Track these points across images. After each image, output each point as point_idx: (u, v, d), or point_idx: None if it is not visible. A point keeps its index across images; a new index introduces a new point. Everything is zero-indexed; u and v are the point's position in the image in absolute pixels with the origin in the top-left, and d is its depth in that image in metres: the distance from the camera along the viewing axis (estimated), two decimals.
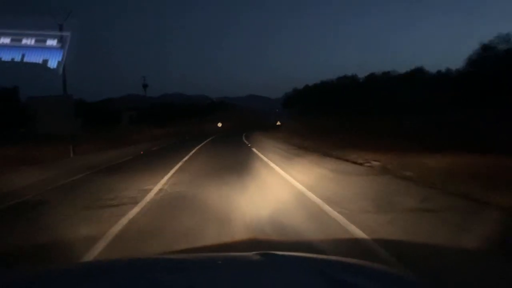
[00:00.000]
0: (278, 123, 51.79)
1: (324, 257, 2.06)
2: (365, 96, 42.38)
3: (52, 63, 13.10)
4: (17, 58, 13.00)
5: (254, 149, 17.24)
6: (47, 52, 13.11)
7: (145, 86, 54.88)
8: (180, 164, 12.13)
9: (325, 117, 37.62)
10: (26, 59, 13.05)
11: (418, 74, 45.77)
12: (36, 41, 13.07)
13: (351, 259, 1.79)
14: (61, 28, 14.11)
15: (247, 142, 24.53)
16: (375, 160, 9.84)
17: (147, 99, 63.79)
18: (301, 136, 24.00)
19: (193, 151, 18.22)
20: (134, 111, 74.93)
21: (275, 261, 1.52)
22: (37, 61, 13.04)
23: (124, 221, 4.87)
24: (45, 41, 13.14)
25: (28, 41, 12.94)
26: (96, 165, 12.95)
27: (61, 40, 13.14)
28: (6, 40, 12.74)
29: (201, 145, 23.30)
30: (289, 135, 28.09)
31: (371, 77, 50.68)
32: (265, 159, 12.67)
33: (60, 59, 13.07)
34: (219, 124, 64.55)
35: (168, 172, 9.85)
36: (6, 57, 12.82)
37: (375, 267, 1.75)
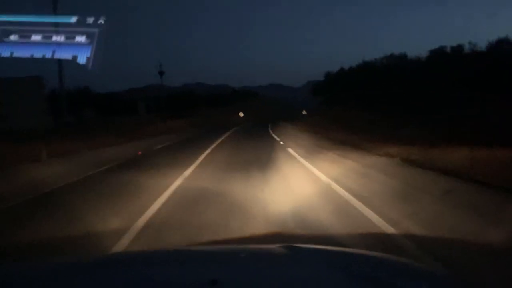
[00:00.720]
0: (304, 112, 50.18)
1: (348, 250, 2.05)
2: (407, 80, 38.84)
3: (81, 59, 13.35)
4: (48, 54, 13.34)
5: (290, 150, 13.12)
6: (76, 48, 13.39)
7: (161, 73, 50.54)
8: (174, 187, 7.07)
9: (360, 107, 34.70)
10: (56, 55, 13.37)
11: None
12: (66, 38, 13.33)
13: (375, 253, 1.76)
14: (89, 25, 14.33)
15: (277, 138, 20.26)
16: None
17: (166, 89, 63.69)
18: (334, 131, 20.71)
19: (206, 153, 13.50)
20: (151, 101, 71.86)
21: (298, 254, 1.51)
22: (67, 57, 13.34)
23: None
24: (74, 37, 13.40)
25: (58, 38, 13.23)
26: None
27: (89, 36, 13.33)
28: (38, 37, 13.08)
29: (219, 141, 19.27)
30: (324, 129, 23.84)
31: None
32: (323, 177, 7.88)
33: (88, 54, 13.30)
34: (241, 114, 60.76)
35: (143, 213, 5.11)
36: (38, 54, 13.19)
37: (398, 261, 1.71)
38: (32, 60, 14.03)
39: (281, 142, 16.70)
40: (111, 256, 2.41)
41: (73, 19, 14.04)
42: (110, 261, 1.70)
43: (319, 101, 66.67)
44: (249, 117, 66.14)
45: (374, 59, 53.15)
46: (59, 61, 16.28)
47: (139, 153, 13.86)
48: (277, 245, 1.63)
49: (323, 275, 1.29)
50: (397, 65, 45.48)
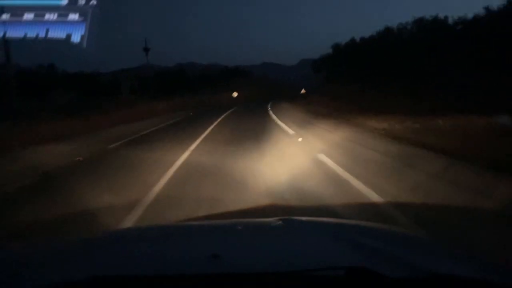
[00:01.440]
0: (303, 91, 44.45)
1: (343, 222, 2.11)
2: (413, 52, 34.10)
3: (76, 38, 13.25)
4: (42, 34, 13.21)
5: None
6: (70, 26, 13.25)
7: (146, 49, 45.52)
8: None
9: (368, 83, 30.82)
10: (50, 35, 13.25)
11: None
12: (58, 15, 13.19)
13: (370, 223, 1.80)
14: (82, 2, 14.14)
15: (284, 126, 13.71)
16: None
17: (156, 68, 61.57)
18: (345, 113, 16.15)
19: (192, 146, 9.31)
20: (138, 80, 66.80)
21: (296, 226, 1.56)
22: (61, 36, 13.23)
23: None
24: (67, 15, 13.27)
25: (51, 16, 13.10)
26: None
27: (82, 13, 13.20)
28: (30, 16, 12.94)
29: (209, 129, 13.66)
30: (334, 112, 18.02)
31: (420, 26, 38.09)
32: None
33: (83, 32, 13.18)
34: (234, 94, 52.74)
35: None
36: (31, 33, 13.06)
37: (391, 230, 1.76)
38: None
39: (292, 132, 11.53)
40: (112, 232, 2.47)
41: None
42: (111, 237, 1.74)
43: (321, 78, 63.39)
44: (244, 97, 60.82)
45: (400, 24, 42.39)
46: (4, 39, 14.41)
47: (79, 159, 8.38)
48: (275, 218, 1.66)
49: (320, 246, 1.33)
50: (429, 31, 36.26)
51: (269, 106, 30.01)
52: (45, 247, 1.49)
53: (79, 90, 48.51)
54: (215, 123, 17.03)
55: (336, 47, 55.46)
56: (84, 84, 54.18)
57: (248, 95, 68.67)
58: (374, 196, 4.38)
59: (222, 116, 21.13)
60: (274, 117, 18.61)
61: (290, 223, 1.59)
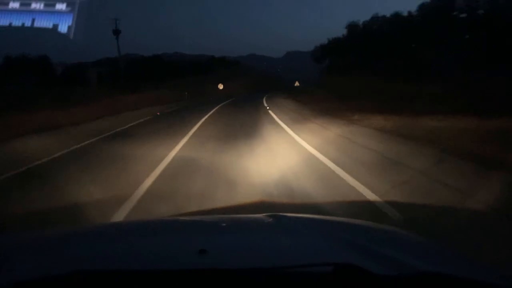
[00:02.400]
0: (297, 84, 40.91)
1: (332, 218, 2.16)
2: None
3: (63, 28, 13.11)
4: (28, 23, 13.04)
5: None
6: (57, 16, 13.12)
7: (116, 32, 38.08)
8: None
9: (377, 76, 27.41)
10: (36, 25, 13.09)
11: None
12: (45, 5, 13.02)
13: (359, 221, 1.86)
14: None
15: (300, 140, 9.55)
16: None
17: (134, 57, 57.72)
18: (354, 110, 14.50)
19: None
20: (104, 68, 60.94)
21: (284, 222, 1.58)
22: (47, 26, 13.07)
23: None
24: (54, 5, 13.11)
25: (37, 6, 12.92)
26: None
27: (70, 3, 13.05)
28: (16, 5, 12.76)
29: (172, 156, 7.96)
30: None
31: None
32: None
33: (70, 23, 13.05)
34: (220, 86, 46.31)
35: None
36: (17, 22, 12.88)
37: (380, 227, 1.80)
38: None
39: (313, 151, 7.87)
40: (97, 226, 2.43)
41: None
42: (96, 231, 1.73)
43: (319, 69, 57.58)
44: (231, 89, 55.14)
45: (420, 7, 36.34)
46: None
47: None
48: (263, 214, 1.67)
49: (308, 243, 1.33)
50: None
51: (267, 107, 21.61)
52: (27, 240, 1.48)
53: (41, 79, 44.60)
54: (191, 132, 11.81)
55: (352, 28, 46.17)
56: (46, 72, 47.64)
57: (237, 86, 63.64)
58: None
59: (201, 121, 15.27)
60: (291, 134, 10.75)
61: (278, 219, 1.59)
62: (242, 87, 67.41)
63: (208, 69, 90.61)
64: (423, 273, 0.95)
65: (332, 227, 1.60)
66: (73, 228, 2.21)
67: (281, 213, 1.67)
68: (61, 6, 13.57)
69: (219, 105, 24.83)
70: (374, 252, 1.16)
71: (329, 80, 40.29)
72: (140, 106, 25.61)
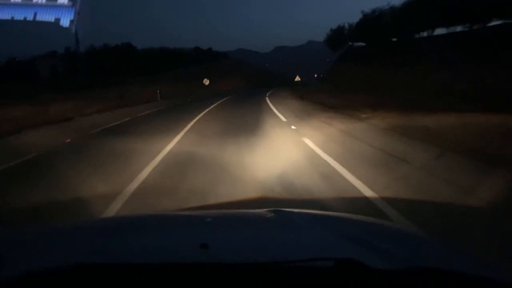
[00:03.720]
0: (298, 78, 36.89)
1: (333, 214, 2.22)
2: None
3: (65, 22, 13.40)
4: (30, 17, 13.30)
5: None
6: (58, 10, 13.39)
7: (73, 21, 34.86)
8: None
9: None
10: (38, 18, 13.35)
11: None
12: None
13: (361, 216, 1.91)
14: None
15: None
16: None
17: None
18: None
19: None
20: (58, 60, 53.00)
21: (286, 217, 1.62)
22: (49, 20, 13.34)
23: None
24: None
25: (39, 0, 13.16)
26: None
27: None
28: None
29: None
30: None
31: None
32: None
33: (72, 17, 13.34)
34: (206, 82, 39.53)
35: None
36: (19, 16, 13.12)
37: (381, 222, 1.87)
38: None
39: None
40: (99, 220, 2.49)
41: None
42: (98, 225, 1.78)
43: (335, 58, 51.19)
44: (220, 87, 49.38)
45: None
46: None
47: None
48: (264, 209, 1.71)
49: (309, 238, 1.37)
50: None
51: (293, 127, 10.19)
52: (28, 232, 1.53)
53: None
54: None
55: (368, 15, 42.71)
56: None
57: (227, 83, 56.70)
58: None
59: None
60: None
61: (279, 214, 1.64)
62: (233, 83, 60.60)
63: (192, 62, 79.29)
64: (424, 268, 0.98)
65: (333, 222, 1.64)
66: (74, 222, 2.27)
67: (282, 208, 1.70)
68: (63, 1, 13.81)
69: (202, 114, 14.25)
70: (375, 247, 1.19)
71: (343, 71, 36.80)
72: (73, 114, 15.58)
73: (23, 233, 1.53)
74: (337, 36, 51.53)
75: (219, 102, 22.26)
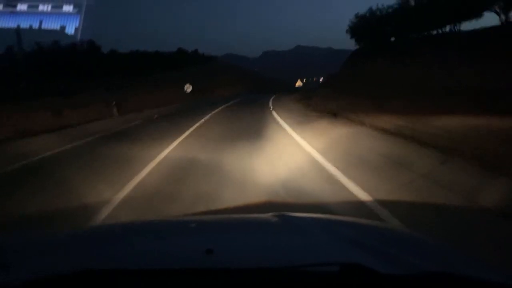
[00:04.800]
0: (299, 83, 35.63)
1: (338, 218, 2.25)
2: None
3: (70, 29, 13.63)
4: (35, 25, 13.49)
5: None
6: (64, 18, 13.63)
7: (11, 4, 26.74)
8: None
9: None
10: (43, 26, 13.55)
11: None
12: (52, 7, 13.52)
13: (364, 220, 1.96)
14: None
15: None
16: None
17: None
18: None
19: None
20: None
21: (290, 222, 1.64)
22: (55, 28, 13.55)
23: None
24: (61, 7, 13.64)
25: (45, 8, 13.42)
26: None
27: (77, 5, 13.58)
28: (23, 7, 13.23)
29: None
30: None
31: None
32: None
33: (77, 25, 13.57)
34: (187, 88, 32.77)
35: None
36: (25, 24, 13.33)
37: (386, 226, 1.93)
38: None
39: None
40: (105, 226, 2.52)
41: None
42: (104, 231, 1.81)
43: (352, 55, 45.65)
44: (210, 94, 43.62)
45: None
46: None
47: None
48: (269, 214, 1.73)
49: (315, 242, 1.38)
50: None
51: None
52: (35, 239, 1.55)
53: None
54: None
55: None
56: None
57: (215, 90, 48.18)
58: None
59: None
60: None
61: (284, 219, 1.66)
62: (224, 89, 53.37)
63: (174, 66, 68.97)
64: (429, 272, 0.98)
65: (338, 226, 1.65)
66: (80, 228, 2.30)
67: (287, 213, 1.72)
68: (68, 8, 14.07)
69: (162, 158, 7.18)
70: (380, 252, 1.20)
71: (366, 71, 32.34)
72: None
73: (28, 239, 1.54)
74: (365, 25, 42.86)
75: (202, 120, 14.18)
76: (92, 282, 0.94)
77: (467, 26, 32.55)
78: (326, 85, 39.59)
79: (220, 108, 21.69)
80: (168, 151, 7.54)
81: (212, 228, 1.70)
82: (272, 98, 31.92)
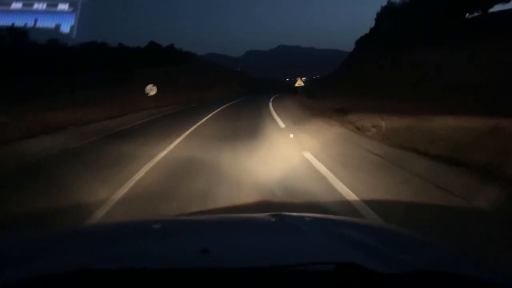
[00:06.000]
0: (300, 82, 27.80)
1: (334, 217, 2.26)
2: None
3: (65, 28, 13.72)
4: (30, 23, 13.58)
5: None
6: (59, 16, 13.71)
7: None
8: None
9: None
10: (38, 25, 13.62)
11: None
12: (47, 5, 13.57)
13: (361, 219, 2.08)
14: None
15: None
16: None
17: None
18: None
19: None
20: None
21: (286, 222, 1.67)
22: (50, 26, 13.62)
23: None
24: (56, 5, 13.71)
25: (39, 6, 13.50)
26: None
27: (72, 4, 13.67)
28: (18, 5, 13.32)
29: None
30: None
31: None
32: None
33: (72, 23, 13.66)
34: (150, 90, 25.41)
35: None
36: (19, 22, 13.43)
37: (381, 226, 1.98)
38: None
39: None
40: (101, 226, 2.56)
41: None
42: (100, 230, 1.84)
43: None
44: (184, 97, 35.68)
45: None
46: None
47: None
48: (265, 213, 1.76)
49: (311, 242, 1.40)
50: None
51: None
52: (33, 238, 1.58)
53: None
54: None
55: None
56: None
57: (190, 93, 40.02)
58: None
59: None
60: None
61: (280, 218, 1.68)
62: (205, 90, 46.30)
63: (145, 63, 58.04)
64: (425, 271, 0.99)
65: (334, 226, 1.68)
66: (76, 227, 2.32)
67: (283, 212, 1.75)
68: (63, 7, 14.07)
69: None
70: (376, 251, 1.22)
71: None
72: None
73: (25, 238, 1.56)
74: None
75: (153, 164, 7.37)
76: (86, 282, 0.94)
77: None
78: (323, 86, 36.59)
79: (202, 120, 15.39)
80: None
81: (208, 227, 1.72)
82: (272, 102, 25.50)
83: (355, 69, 37.14)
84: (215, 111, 20.08)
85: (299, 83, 28.40)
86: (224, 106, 24.35)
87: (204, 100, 35.74)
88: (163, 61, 61.84)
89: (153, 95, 24.58)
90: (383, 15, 41.30)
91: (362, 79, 29.71)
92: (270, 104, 23.49)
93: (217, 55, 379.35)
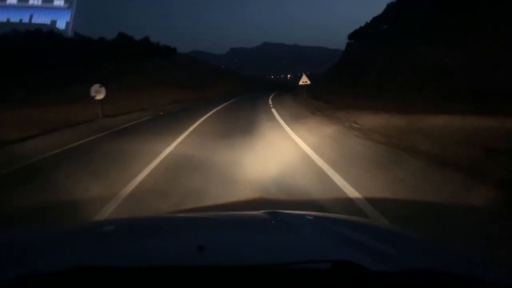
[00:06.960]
0: (305, 80, 22.43)
1: (330, 215, 2.30)
2: None
3: (61, 24, 13.78)
4: (25, 19, 13.55)
5: None
6: (55, 12, 13.76)
7: None
8: None
9: None
10: (34, 20, 13.64)
11: None
12: (43, 1, 13.59)
13: (357, 217, 2.05)
14: None
15: None
16: None
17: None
18: None
19: None
20: None
21: (282, 219, 1.69)
22: (45, 22, 13.67)
23: None
24: (52, 1, 13.72)
25: (35, 1, 13.49)
26: None
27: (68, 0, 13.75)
28: (13, 0, 13.19)
29: None
30: None
31: None
32: None
33: (68, 19, 13.72)
34: (97, 92, 17.45)
35: None
36: (15, 18, 13.37)
37: (377, 224, 2.05)
38: None
39: None
40: (96, 223, 2.63)
41: None
42: (96, 228, 1.87)
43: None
44: (158, 100, 28.81)
45: None
46: None
47: None
48: (261, 211, 1.78)
49: (306, 239, 1.42)
50: None
51: None
52: (26, 235, 1.61)
53: None
54: None
55: None
56: None
57: (177, 94, 34.10)
58: None
59: None
60: None
61: (276, 216, 1.71)
62: (184, 90, 40.79)
63: (102, 56, 50.49)
64: (420, 269, 1.01)
65: (329, 224, 1.70)
66: (72, 225, 2.34)
67: (279, 210, 1.78)
68: (59, 2, 14.02)
69: None
70: (372, 249, 1.24)
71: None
72: None
73: (22, 235, 1.58)
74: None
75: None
76: (81, 280, 0.95)
77: None
78: (322, 86, 33.17)
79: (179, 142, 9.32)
80: None
81: (204, 225, 1.74)
82: (281, 109, 17.96)
83: (353, 68, 36.22)
84: (188, 131, 11.03)
85: (304, 80, 23.14)
86: (207, 115, 16.39)
87: (184, 102, 29.61)
88: (135, 55, 55.00)
89: (101, 99, 17.85)
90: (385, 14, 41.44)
91: (364, 77, 29.26)
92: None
93: (201, 52, 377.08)
